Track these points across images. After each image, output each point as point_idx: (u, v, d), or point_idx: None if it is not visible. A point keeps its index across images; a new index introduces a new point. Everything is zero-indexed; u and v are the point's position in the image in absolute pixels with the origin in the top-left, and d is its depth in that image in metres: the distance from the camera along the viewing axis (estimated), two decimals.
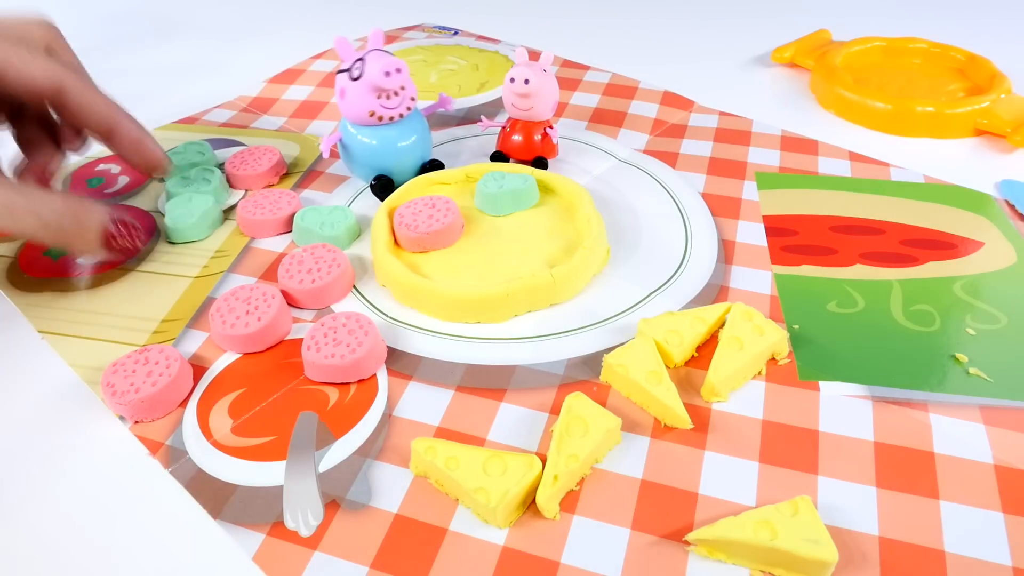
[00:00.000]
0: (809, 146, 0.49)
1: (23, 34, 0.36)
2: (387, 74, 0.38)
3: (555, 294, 0.36)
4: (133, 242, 0.36)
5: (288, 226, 0.42)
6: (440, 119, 0.53)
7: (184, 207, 0.41)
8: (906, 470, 0.28)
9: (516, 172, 0.42)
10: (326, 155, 0.42)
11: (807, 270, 0.38)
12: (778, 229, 0.41)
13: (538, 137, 0.45)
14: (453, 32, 0.70)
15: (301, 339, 0.33)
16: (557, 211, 0.41)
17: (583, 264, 0.36)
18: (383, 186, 0.43)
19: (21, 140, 0.38)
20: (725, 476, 0.28)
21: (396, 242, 0.39)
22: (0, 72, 0.33)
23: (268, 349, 0.34)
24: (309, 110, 0.56)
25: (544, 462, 0.27)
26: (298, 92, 0.58)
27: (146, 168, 0.39)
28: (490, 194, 0.40)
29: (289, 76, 0.61)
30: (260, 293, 0.35)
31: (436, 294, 0.35)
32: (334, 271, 0.36)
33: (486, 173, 0.42)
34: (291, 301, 0.36)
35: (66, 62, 0.37)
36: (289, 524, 0.27)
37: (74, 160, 0.49)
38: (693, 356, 0.33)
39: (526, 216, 0.41)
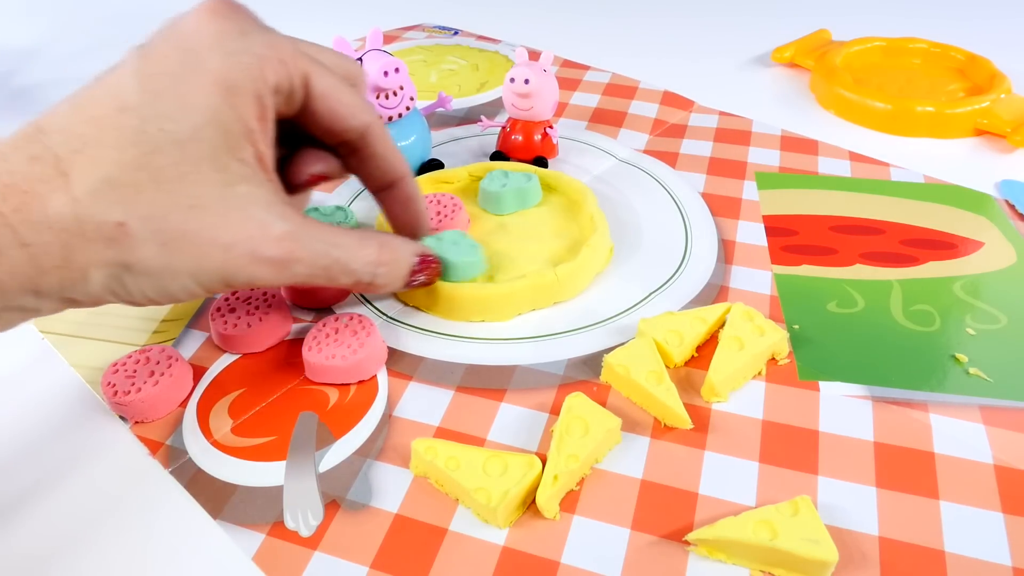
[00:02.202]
0: (809, 146, 0.49)
1: (344, 70, 0.31)
2: (385, 74, 0.38)
3: (559, 292, 0.36)
4: (432, 277, 0.33)
5: None
6: (440, 119, 0.53)
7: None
8: (906, 470, 0.28)
9: (519, 171, 0.42)
10: None
11: (807, 270, 0.38)
12: (778, 229, 0.41)
13: (538, 137, 0.45)
14: (453, 32, 0.70)
15: (301, 339, 0.33)
16: (560, 209, 0.41)
17: (587, 262, 0.36)
18: None
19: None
20: (725, 476, 0.28)
21: None
22: (324, 106, 0.28)
23: (268, 349, 0.34)
24: None
25: (544, 462, 0.27)
26: None
27: (404, 228, 0.34)
28: (494, 193, 0.40)
29: None
30: (260, 293, 0.35)
31: (440, 293, 0.35)
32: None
33: (489, 172, 0.42)
34: (293, 299, 0.36)
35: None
36: (289, 524, 0.27)
37: None
38: (693, 356, 0.33)
39: (529, 214, 0.41)
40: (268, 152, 0.27)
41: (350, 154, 0.31)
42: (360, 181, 0.33)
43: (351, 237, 0.29)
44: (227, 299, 0.35)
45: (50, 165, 0.22)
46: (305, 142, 0.31)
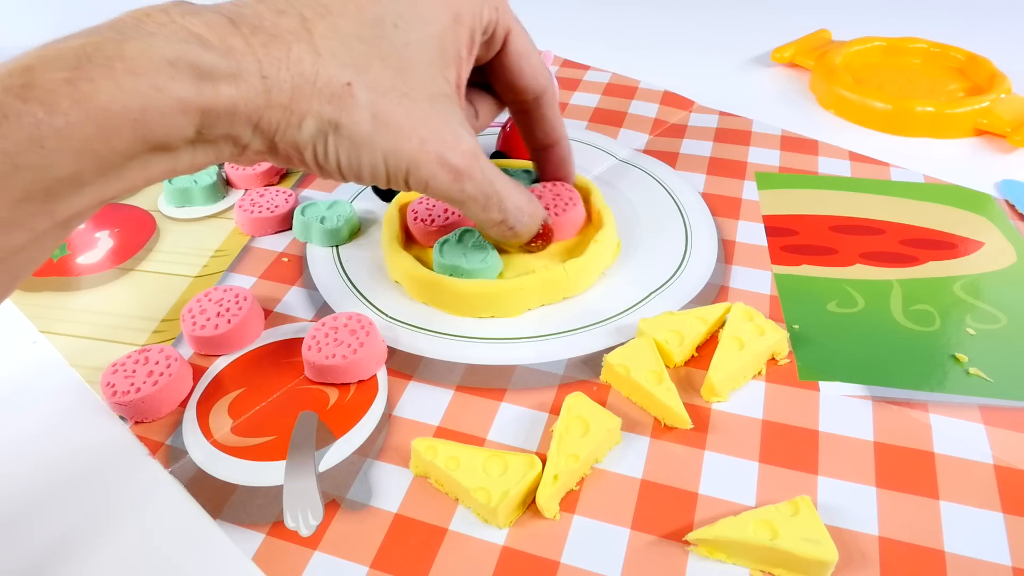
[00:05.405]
0: (809, 146, 0.49)
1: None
2: None
3: (568, 288, 0.36)
4: (546, 244, 0.35)
5: (286, 223, 0.42)
6: None
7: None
8: (906, 470, 0.28)
9: (523, 167, 0.42)
10: None
11: (807, 270, 0.38)
12: (778, 229, 0.41)
13: None
14: None
15: (301, 339, 0.33)
16: None
17: (595, 257, 0.37)
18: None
19: None
20: (725, 476, 0.28)
21: (407, 238, 0.39)
22: (515, 64, 0.32)
23: (267, 348, 0.34)
24: None
25: (544, 462, 0.27)
26: None
27: (552, 179, 0.39)
28: None
29: None
30: (232, 295, 0.35)
31: (450, 289, 0.35)
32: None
33: None
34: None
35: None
36: (289, 524, 0.27)
37: None
38: (693, 356, 0.33)
39: None
40: (463, 83, 0.30)
41: (520, 112, 0.35)
42: (522, 137, 0.37)
43: (509, 180, 0.32)
44: (199, 300, 0.35)
45: (296, 21, 0.25)
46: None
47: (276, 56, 0.24)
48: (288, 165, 0.27)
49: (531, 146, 0.37)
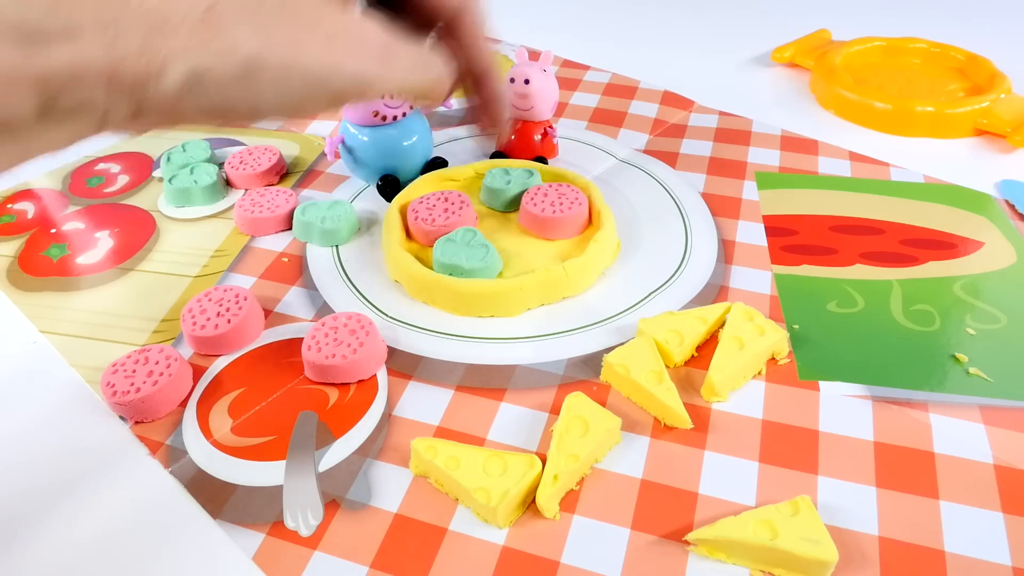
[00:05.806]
0: (809, 146, 0.49)
1: None
2: None
3: (567, 287, 0.36)
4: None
5: (286, 224, 0.42)
6: (440, 119, 0.53)
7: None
8: (906, 470, 0.28)
9: (523, 167, 0.42)
10: (332, 159, 0.42)
11: (807, 270, 0.38)
12: (778, 229, 0.41)
13: (538, 137, 0.45)
14: None
15: (301, 339, 0.33)
16: None
17: (595, 257, 0.37)
18: (390, 186, 0.43)
19: None
20: (725, 476, 0.28)
21: (407, 237, 0.39)
22: None
23: (267, 348, 0.34)
24: None
25: (544, 462, 0.27)
26: None
27: (486, 124, 0.34)
28: (497, 189, 0.41)
29: None
30: (232, 295, 0.35)
31: (450, 288, 0.35)
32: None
33: (492, 168, 0.42)
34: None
35: None
36: (289, 524, 0.27)
37: (74, 159, 0.49)
38: (693, 356, 0.33)
39: None
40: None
41: (445, 36, 0.30)
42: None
43: (423, 48, 0.28)
44: (199, 300, 0.35)
45: None
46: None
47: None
48: (184, 125, 0.22)
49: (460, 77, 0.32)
